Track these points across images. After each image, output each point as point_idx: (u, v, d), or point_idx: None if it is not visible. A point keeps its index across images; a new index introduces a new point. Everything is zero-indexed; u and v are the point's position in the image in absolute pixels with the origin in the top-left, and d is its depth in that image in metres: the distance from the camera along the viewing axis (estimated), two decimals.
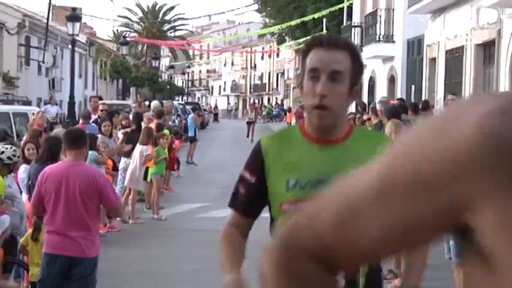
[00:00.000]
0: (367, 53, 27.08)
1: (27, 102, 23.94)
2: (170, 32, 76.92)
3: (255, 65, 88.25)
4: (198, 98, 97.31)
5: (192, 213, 14.79)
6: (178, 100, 59.72)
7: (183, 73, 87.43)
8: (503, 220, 0.95)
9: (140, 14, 75.96)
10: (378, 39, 26.04)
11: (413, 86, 24.41)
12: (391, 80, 26.56)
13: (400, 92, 24.79)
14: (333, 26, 39.73)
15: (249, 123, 38.60)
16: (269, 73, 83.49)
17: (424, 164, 1.01)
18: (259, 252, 1.25)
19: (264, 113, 67.64)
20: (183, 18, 77.45)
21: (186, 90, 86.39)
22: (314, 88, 2.86)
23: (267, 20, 54.23)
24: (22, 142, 10.53)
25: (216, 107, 79.09)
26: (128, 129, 15.34)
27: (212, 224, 13.47)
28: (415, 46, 24.64)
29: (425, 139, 1.03)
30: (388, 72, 26.88)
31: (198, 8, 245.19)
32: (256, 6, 54.01)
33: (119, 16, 72.58)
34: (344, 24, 33.59)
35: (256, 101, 79.50)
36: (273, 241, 1.22)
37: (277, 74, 79.83)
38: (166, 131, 15.96)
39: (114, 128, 14.87)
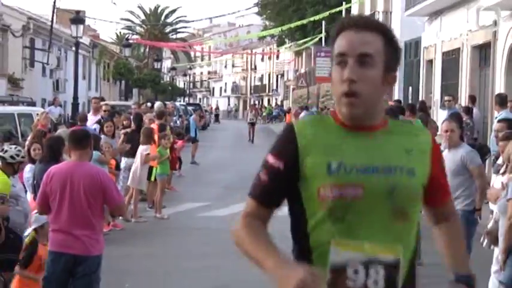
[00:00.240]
0: None
1: (32, 103, 23.88)
2: (172, 34, 76.87)
3: (255, 67, 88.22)
4: (200, 99, 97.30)
5: (194, 212, 14.78)
6: (180, 101, 59.71)
7: (185, 74, 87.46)
8: None
9: (142, 17, 75.93)
10: None
11: (410, 88, 24.42)
12: None
13: (397, 93, 24.80)
14: (332, 28, 39.73)
15: (250, 124, 38.39)
16: (269, 74, 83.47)
17: None
18: None
19: (264, 113, 67.64)
20: (185, 21, 77.36)
21: (187, 92, 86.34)
22: (342, 74, 2.57)
23: (267, 23, 54.29)
24: (26, 142, 10.54)
25: (217, 108, 79.06)
26: (128, 130, 15.35)
27: (213, 223, 13.48)
28: (412, 48, 24.63)
29: None
30: None
31: (200, 10, 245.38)
32: (256, 9, 54.06)
33: (122, 19, 72.50)
34: None
35: (257, 102, 79.52)
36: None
37: (277, 76, 79.80)
38: (168, 131, 15.96)
39: (117, 128, 14.87)
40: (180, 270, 9.85)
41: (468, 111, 15.23)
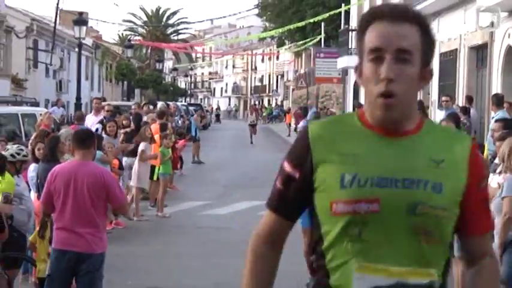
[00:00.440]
0: None
1: (35, 104, 23.86)
2: (173, 36, 76.88)
3: (256, 68, 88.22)
4: (201, 100, 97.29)
5: (195, 211, 14.78)
6: (181, 101, 59.75)
7: (186, 75, 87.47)
8: None
9: (144, 18, 75.92)
10: None
11: None
12: None
13: None
14: (331, 29, 39.73)
15: (251, 126, 38.25)
16: (269, 75, 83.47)
17: None
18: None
19: (264, 114, 67.64)
20: (186, 22, 77.38)
21: (188, 92, 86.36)
22: (378, 72, 2.26)
23: (267, 24, 54.24)
24: (30, 142, 10.53)
25: (217, 108, 79.08)
26: (128, 129, 15.38)
27: (214, 221, 13.49)
28: None
29: None
30: None
31: (201, 12, 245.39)
32: (256, 11, 54.03)
33: (124, 20, 72.51)
34: (342, 28, 33.57)
35: (257, 102, 79.52)
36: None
37: (277, 76, 79.81)
38: (170, 131, 15.98)
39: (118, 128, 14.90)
40: (181, 268, 9.86)
41: (465, 111, 15.24)
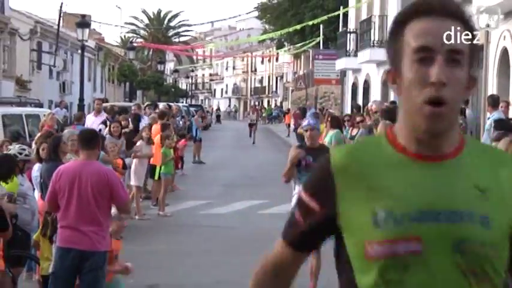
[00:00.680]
0: (362, 58, 27.12)
1: (39, 105, 23.82)
2: (175, 38, 76.91)
3: (255, 69, 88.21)
4: (201, 101, 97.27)
5: (196, 210, 14.78)
6: (182, 102, 59.77)
7: (187, 77, 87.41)
8: None
9: (146, 21, 75.97)
10: (372, 44, 26.02)
11: None
12: (385, 84, 26.52)
13: (393, 95, 24.78)
14: (330, 32, 39.72)
15: (250, 125, 38.36)
16: (269, 76, 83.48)
17: None
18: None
19: (264, 114, 67.63)
20: (187, 25, 77.42)
21: (189, 93, 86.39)
22: (426, 74, 1.89)
23: (267, 27, 54.27)
24: (33, 142, 10.54)
25: (218, 109, 79.09)
26: (127, 130, 15.39)
27: (214, 220, 13.50)
28: None
29: None
30: (382, 76, 26.86)
31: (201, 14, 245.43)
32: (256, 13, 54.01)
33: (126, 23, 72.61)
34: (340, 30, 33.58)
35: (257, 103, 79.53)
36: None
37: (276, 78, 79.81)
38: (171, 131, 15.99)
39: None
40: (182, 266, 9.86)
41: (461, 112, 15.23)
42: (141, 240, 11.68)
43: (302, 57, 56.26)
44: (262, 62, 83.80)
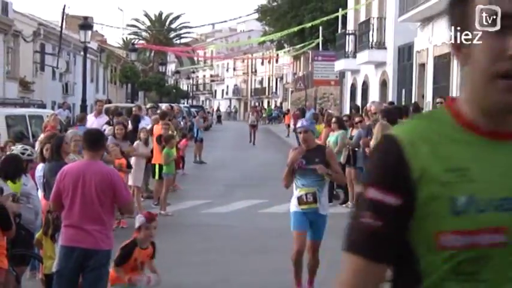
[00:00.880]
0: (361, 59, 27.13)
1: (42, 106, 23.89)
2: (176, 39, 76.91)
3: (256, 70, 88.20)
4: (202, 101, 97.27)
5: (196, 209, 14.78)
6: (183, 103, 59.79)
7: (188, 78, 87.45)
8: None
9: (148, 23, 75.98)
10: (370, 46, 26.03)
11: (403, 90, 24.40)
12: (383, 84, 26.55)
13: (391, 96, 24.80)
14: (329, 33, 39.72)
15: (252, 126, 38.24)
16: (268, 78, 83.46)
17: None
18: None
19: (264, 115, 67.63)
20: (188, 27, 77.44)
21: (191, 94, 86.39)
22: (503, 45, 1.64)
23: (267, 28, 54.24)
24: (37, 142, 10.54)
25: (218, 110, 79.10)
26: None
27: (215, 220, 13.49)
28: (405, 52, 24.62)
29: None
30: (380, 77, 26.88)
31: (202, 16, 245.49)
32: (256, 15, 54.00)
33: (128, 25, 72.54)
34: (339, 31, 33.58)
35: (257, 104, 79.53)
36: None
37: (276, 79, 79.79)
38: (173, 131, 16.00)
39: None
40: (182, 265, 9.86)
41: None
42: None
43: (301, 58, 56.25)
44: (262, 63, 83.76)
